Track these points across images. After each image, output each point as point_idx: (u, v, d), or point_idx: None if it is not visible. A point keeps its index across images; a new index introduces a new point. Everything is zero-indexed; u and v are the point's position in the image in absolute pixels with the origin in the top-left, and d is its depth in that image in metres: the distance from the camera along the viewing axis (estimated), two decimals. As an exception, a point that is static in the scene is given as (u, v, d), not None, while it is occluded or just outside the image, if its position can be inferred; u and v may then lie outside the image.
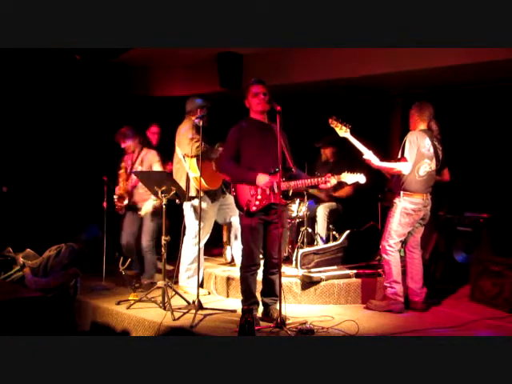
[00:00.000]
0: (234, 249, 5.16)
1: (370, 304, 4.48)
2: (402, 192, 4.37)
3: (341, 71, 5.70)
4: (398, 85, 6.13)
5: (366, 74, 5.54)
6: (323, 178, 3.79)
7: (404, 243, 4.55)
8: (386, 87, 6.31)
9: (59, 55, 5.91)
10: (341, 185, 4.23)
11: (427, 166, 4.37)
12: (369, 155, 4.25)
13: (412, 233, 4.49)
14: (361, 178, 3.89)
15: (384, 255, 4.46)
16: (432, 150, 4.39)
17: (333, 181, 3.79)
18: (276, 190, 3.72)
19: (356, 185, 4.01)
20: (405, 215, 4.35)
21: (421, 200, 4.36)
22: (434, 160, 4.41)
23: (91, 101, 6.68)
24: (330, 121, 4.21)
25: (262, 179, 3.72)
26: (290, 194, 3.93)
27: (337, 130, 4.22)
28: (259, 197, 3.75)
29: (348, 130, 4.20)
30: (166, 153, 5.69)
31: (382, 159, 4.30)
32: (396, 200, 4.42)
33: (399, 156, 4.35)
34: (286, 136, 4.00)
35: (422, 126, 4.45)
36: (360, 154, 4.24)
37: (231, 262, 5.39)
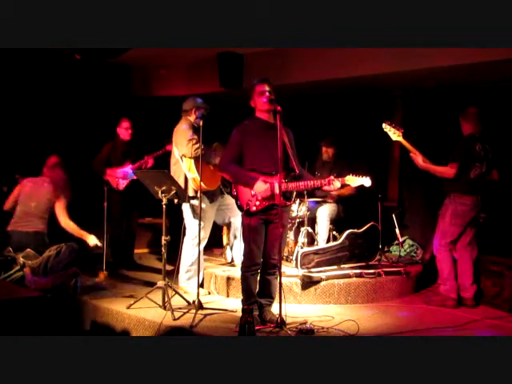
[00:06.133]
0: (234, 249, 5.16)
1: (427, 299, 4.78)
2: (452, 193, 4.53)
3: (341, 71, 5.68)
4: (398, 85, 6.13)
5: (366, 73, 5.53)
6: (326, 180, 3.73)
7: (455, 243, 4.64)
8: (386, 87, 6.31)
9: (59, 55, 5.91)
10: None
11: (477, 169, 4.50)
12: (415, 155, 4.46)
13: (463, 233, 4.58)
14: (366, 182, 3.74)
15: (436, 254, 4.65)
16: (483, 153, 4.52)
17: (336, 184, 3.72)
18: (277, 191, 3.70)
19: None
20: (456, 216, 4.50)
21: (471, 201, 4.48)
22: (484, 163, 4.53)
23: (92, 101, 6.67)
24: (384, 125, 4.44)
25: (260, 188, 3.68)
26: (294, 196, 3.85)
27: (390, 134, 4.45)
28: (260, 197, 3.73)
29: (401, 135, 4.42)
30: (140, 148, 5.86)
31: (429, 161, 4.49)
32: (447, 201, 4.57)
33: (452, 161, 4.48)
34: (292, 136, 3.96)
35: (472, 129, 4.56)
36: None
37: (231, 262, 5.39)
